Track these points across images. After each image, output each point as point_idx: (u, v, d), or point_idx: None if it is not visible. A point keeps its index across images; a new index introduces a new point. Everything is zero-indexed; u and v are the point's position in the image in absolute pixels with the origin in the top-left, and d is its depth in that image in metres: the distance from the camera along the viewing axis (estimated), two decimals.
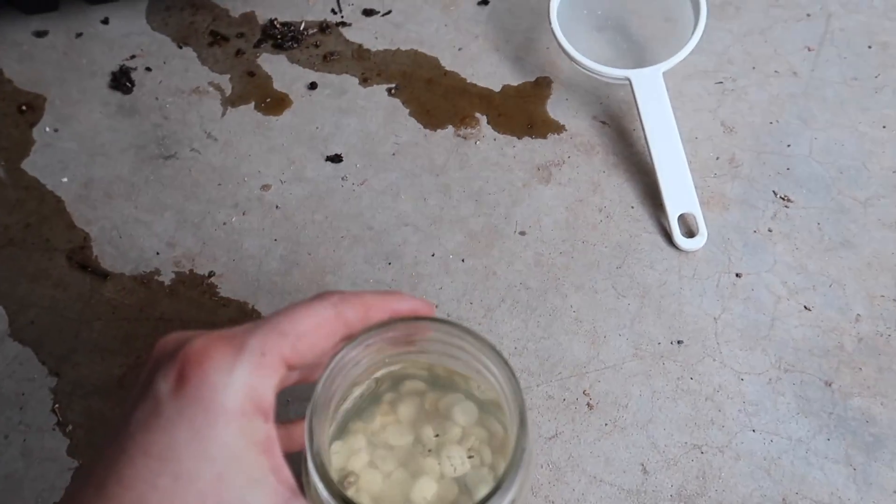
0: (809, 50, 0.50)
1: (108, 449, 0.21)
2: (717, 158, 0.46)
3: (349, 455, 0.28)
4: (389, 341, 0.27)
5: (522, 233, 0.44)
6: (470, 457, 0.29)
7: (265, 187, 0.45)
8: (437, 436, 0.29)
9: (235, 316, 0.41)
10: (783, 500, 0.35)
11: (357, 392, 0.29)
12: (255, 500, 0.21)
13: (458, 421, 0.30)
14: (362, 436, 0.29)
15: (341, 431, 0.29)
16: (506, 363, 0.26)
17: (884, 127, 0.47)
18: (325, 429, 0.27)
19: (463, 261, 0.42)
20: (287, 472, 0.23)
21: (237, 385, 0.21)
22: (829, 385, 0.38)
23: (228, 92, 0.49)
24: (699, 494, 0.35)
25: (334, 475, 0.24)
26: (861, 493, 0.35)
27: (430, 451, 0.29)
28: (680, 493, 0.35)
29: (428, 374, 0.30)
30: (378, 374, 0.30)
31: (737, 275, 0.42)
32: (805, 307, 0.41)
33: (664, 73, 0.45)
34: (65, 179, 0.45)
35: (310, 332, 0.23)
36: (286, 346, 0.22)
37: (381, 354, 0.28)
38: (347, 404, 0.29)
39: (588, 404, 0.38)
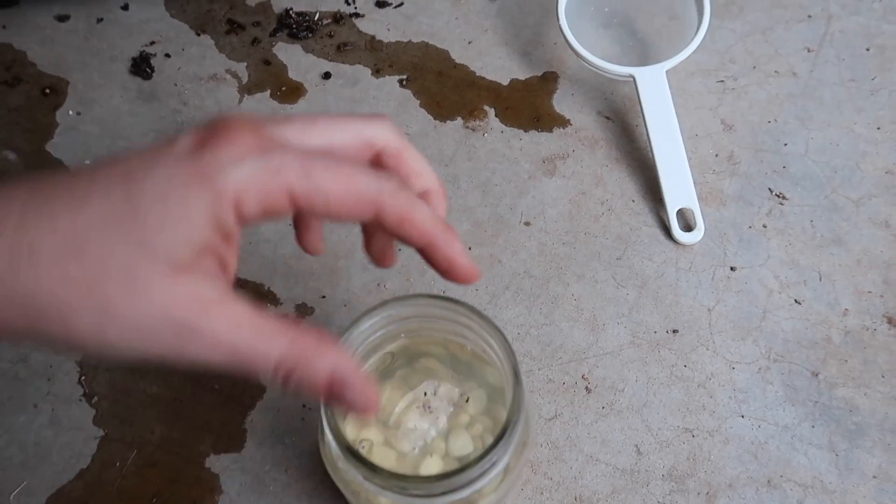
0: (809, 51, 0.51)
1: (112, 158, 0.21)
2: (717, 155, 0.48)
3: (362, 427, 0.30)
4: (399, 317, 0.29)
5: (527, 223, 0.45)
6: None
7: None
8: (437, 418, 0.31)
9: (251, 296, 0.42)
10: (768, 481, 0.37)
11: (372, 366, 0.31)
12: (180, 253, 0.20)
13: (467, 409, 0.32)
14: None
15: None
16: (500, 332, 0.28)
17: (878, 128, 0.49)
18: None
19: (469, 249, 0.44)
20: (229, 273, 0.22)
21: (238, 175, 0.20)
22: (816, 375, 0.40)
23: (245, 80, 0.50)
24: (689, 475, 0.38)
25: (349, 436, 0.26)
26: (842, 478, 0.38)
27: (440, 433, 0.31)
28: (671, 473, 0.38)
29: (444, 352, 0.32)
30: (391, 347, 0.32)
31: (731, 268, 0.44)
32: (796, 301, 0.43)
33: (667, 71, 0.47)
34: (88, 162, 0.47)
35: (337, 195, 0.22)
36: (302, 188, 0.21)
37: (389, 328, 0.30)
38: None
39: (587, 388, 0.40)
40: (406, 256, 0.44)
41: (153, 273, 0.20)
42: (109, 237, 0.20)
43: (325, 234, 0.45)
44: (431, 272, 0.43)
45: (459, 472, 0.25)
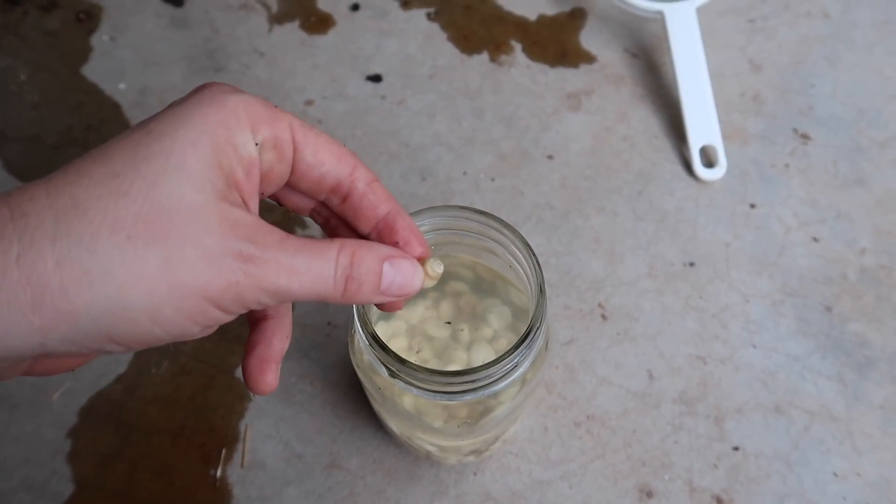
0: None
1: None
2: (742, 95, 0.48)
3: (390, 336, 0.31)
4: (432, 227, 0.30)
5: (550, 157, 0.46)
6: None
7: (308, 103, 0.48)
8: (461, 330, 0.32)
9: (280, 220, 0.44)
10: (776, 408, 0.39)
11: None
12: (215, 182, 0.20)
13: (491, 323, 0.33)
14: (404, 322, 0.32)
15: (387, 315, 0.32)
16: (526, 244, 0.29)
17: None
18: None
19: (493, 180, 0.45)
20: (255, 204, 0.22)
21: (241, 97, 0.21)
22: (830, 310, 0.41)
23: (274, 9, 0.51)
24: (699, 399, 0.39)
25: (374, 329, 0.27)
26: (849, 407, 0.39)
27: (462, 345, 0.32)
28: (681, 397, 0.39)
29: (472, 275, 0.33)
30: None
31: (751, 205, 0.44)
32: (814, 238, 0.43)
33: (697, 9, 0.47)
34: (122, 86, 0.48)
35: (325, 142, 0.23)
36: (299, 126, 0.22)
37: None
38: None
39: (602, 315, 0.41)
40: (430, 186, 0.45)
41: (202, 201, 0.20)
42: (152, 172, 0.19)
43: None
44: (454, 202, 0.44)
45: (481, 370, 0.26)
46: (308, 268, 0.21)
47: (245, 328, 0.34)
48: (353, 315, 0.27)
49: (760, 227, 0.44)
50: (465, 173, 0.45)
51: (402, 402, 0.30)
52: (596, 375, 0.39)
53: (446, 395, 0.28)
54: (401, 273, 0.23)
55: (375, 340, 0.26)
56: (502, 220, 0.29)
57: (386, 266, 0.23)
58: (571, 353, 0.40)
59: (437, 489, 0.37)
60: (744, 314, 0.41)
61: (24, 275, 0.18)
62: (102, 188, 0.19)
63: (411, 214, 0.29)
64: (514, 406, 0.31)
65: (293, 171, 0.23)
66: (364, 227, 0.25)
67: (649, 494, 0.36)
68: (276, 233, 0.21)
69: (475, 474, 0.37)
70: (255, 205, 0.22)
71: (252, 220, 0.21)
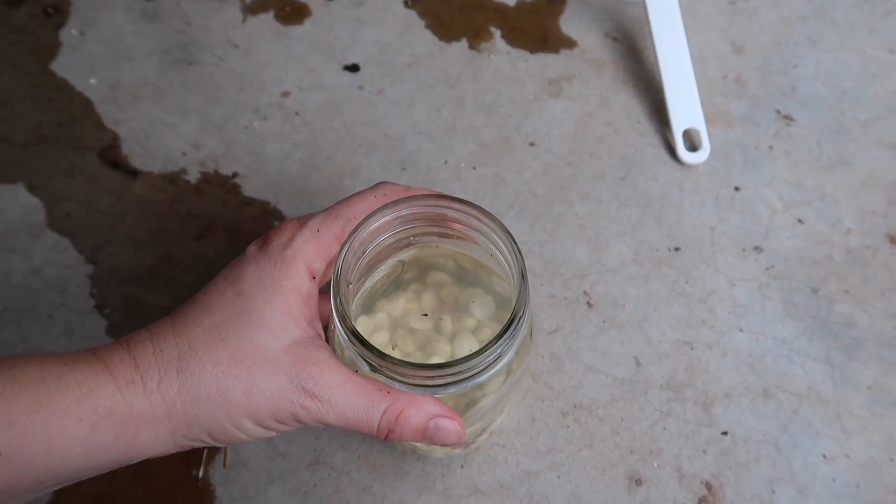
0: None
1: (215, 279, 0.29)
2: (725, 77, 0.47)
3: (372, 331, 0.31)
4: (411, 217, 0.29)
5: (532, 144, 0.45)
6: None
7: (285, 94, 0.47)
8: (441, 320, 0.32)
9: (258, 214, 0.43)
10: (764, 391, 0.38)
11: (383, 272, 0.32)
12: (287, 328, 0.27)
13: (474, 314, 0.32)
14: (386, 316, 0.31)
15: (368, 308, 0.31)
16: (506, 231, 0.28)
17: (890, 50, 0.48)
18: (351, 294, 0.30)
19: (474, 168, 0.44)
20: (318, 325, 0.28)
21: (294, 247, 0.28)
22: (816, 292, 0.41)
23: (248, 0, 0.50)
24: (686, 385, 0.38)
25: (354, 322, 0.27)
26: (837, 388, 0.38)
27: (445, 336, 0.32)
28: (669, 383, 0.38)
29: (454, 265, 0.33)
30: (404, 256, 0.32)
31: (736, 188, 0.44)
32: (799, 220, 0.43)
33: None
34: (92, 81, 0.47)
35: (359, 215, 0.29)
36: (337, 225, 0.29)
37: (404, 226, 0.30)
38: (374, 283, 0.32)
39: (588, 303, 0.41)
40: (410, 176, 0.44)
41: (278, 346, 0.26)
42: (241, 325, 0.26)
43: (330, 152, 0.45)
44: (438, 188, 0.43)
45: (465, 361, 0.26)
46: (356, 415, 0.26)
47: None
48: (331, 310, 0.26)
49: (745, 210, 0.43)
50: (445, 162, 0.45)
51: None
52: (582, 364, 0.39)
53: (430, 389, 0.27)
54: (442, 430, 0.28)
55: (355, 336, 0.26)
56: (481, 208, 0.28)
57: (431, 423, 0.27)
58: (557, 342, 0.40)
59: (423, 483, 0.36)
60: (730, 298, 0.41)
61: (161, 396, 0.25)
62: (209, 335, 0.26)
63: (387, 206, 0.29)
64: (500, 397, 0.31)
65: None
66: None
67: (638, 482, 0.36)
68: (341, 372, 0.26)
69: (462, 467, 0.36)
70: (319, 324, 0.28)
71: (323, 356, 0.27)
